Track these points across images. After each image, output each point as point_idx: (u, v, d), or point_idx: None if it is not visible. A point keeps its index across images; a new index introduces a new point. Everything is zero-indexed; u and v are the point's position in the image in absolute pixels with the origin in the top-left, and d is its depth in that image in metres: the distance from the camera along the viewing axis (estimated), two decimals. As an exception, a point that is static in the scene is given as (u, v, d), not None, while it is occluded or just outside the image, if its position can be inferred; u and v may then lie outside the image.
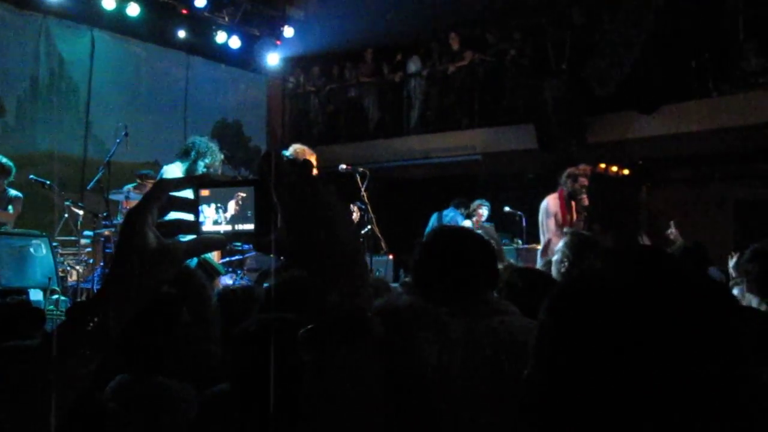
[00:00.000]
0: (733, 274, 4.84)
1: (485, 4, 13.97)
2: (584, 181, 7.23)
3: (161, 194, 1.09)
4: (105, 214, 8.70)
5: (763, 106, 10.80)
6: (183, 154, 6.60)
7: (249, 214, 1.11)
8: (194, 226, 1.13)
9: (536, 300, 0.99)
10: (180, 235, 1.12)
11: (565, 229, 6.85)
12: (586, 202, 7.19)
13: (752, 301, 3.11)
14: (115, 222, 8.46)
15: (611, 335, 0.83)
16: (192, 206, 1.14)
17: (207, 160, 6.61)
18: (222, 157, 6.94)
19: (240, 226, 1.11)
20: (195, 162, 6.55)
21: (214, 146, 6.73)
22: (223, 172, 14.08)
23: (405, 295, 3.13)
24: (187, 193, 1.15)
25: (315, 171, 1.02)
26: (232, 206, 1.12)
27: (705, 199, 14.03)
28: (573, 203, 7.25)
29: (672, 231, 6.16)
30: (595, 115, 11.72)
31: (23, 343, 2.34)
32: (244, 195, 1.11)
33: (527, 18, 13.73)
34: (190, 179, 1.13)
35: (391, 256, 10.97)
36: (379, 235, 7.56)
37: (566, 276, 0.86)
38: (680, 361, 0.81)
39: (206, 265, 6.09)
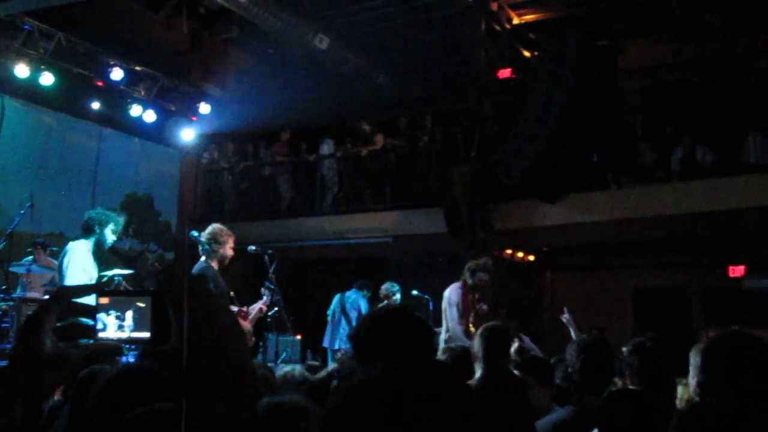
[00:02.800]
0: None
1: (400, 91, 14.41)
2: (483, 277, 7.37)
3: (61, 301, 1.13)
4: (4, 287, 8.44)
5: (658, 199, 11.37)
6: (86, 231, 6.50)
7: (146, 323, 1.16)
8: (91, 331, 1.18)
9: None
10: (78, 340, 1.16)
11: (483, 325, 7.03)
12: (484, 309, 7.34)
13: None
14: (14, 295, 8.20)
15: None
16: (91, 313, 1.19)
17: (112, 228, 6.54)
18: (122, 221, 6.87)
19: (136, 334, 1.16)
20: (102, 234, 6.47)
21: (111, 213, 6.68)
22: (131, 246, 13.87)
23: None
24: (89, 299, 1.20)
25: (207, 286, 1.10)
26: (129, 315, 1.18)
27: (606, 286, 14.52)
28: (473, 296, 7.40)
29: (566, 316, 6.35)
30: (501, 203, 12.04)
31: None
32: (143, 305, 1.17)
33: (440, 105, 14.18)
34: (90, 288, 1.19)
35: (298, 336, 10.94)
36: (285, 317, 7.56)
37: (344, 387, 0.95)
38: None
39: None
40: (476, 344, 4.44)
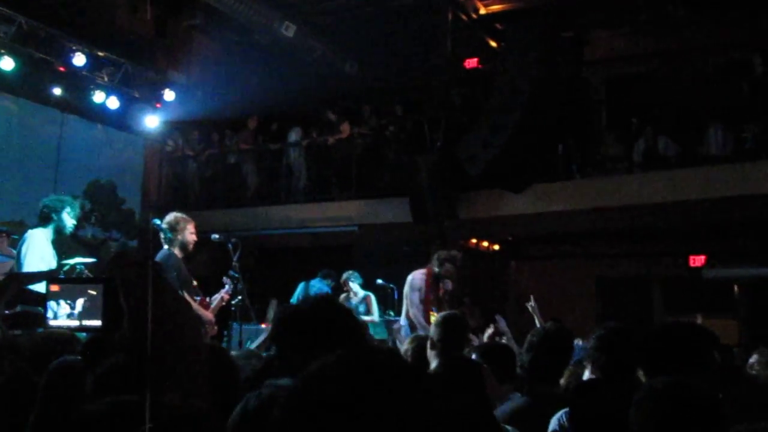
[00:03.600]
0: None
1: (367, 79, 14.39)
2: (450, 268, 7.40)
3: (11, 289, 1.12)
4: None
5: (621, 190, 11.50)
6: (43, 220, 6.40)
7: (97, 311, 1.15)
8: (41, 320, 1.16)
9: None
10: (27, 328, 1.15)
11: (433, 309, 7.07)
12: (449, 287, 7.39)
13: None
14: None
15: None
16: (41, 301, 1.17)
17: (69, 212, 6.45)
18: (78, 204, 6.78)
19: (88, 322, 1.15)
20: (60, 220, 6.37)
21: (65, 198, 6.58)
22: (93, 235, 13.71)
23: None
24: (39, 286, 1.19)
25: (159, 272, 1.08)
26: (80, 303, 1.16)
27: (569, 275, 14.66)
28: (438, 284, 7.44)
29: (531, 304, 6.41)
30: (467, 192, 12.12)
31: None
32: (94, 293, 1.16)
33: (406, 94, 14.20)
34: (42, 275, 1.17)
35: (263, 325, 10.90)
36: (249, 305, 7.54)
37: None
38: None
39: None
40: (433, 332, 4.43)
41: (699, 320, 12.81)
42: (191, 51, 15.02)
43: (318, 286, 10.99)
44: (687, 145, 11.68)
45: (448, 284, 7.37)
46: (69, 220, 6.46)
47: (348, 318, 2.58)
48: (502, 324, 5.86)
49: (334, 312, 2.55)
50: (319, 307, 2.66)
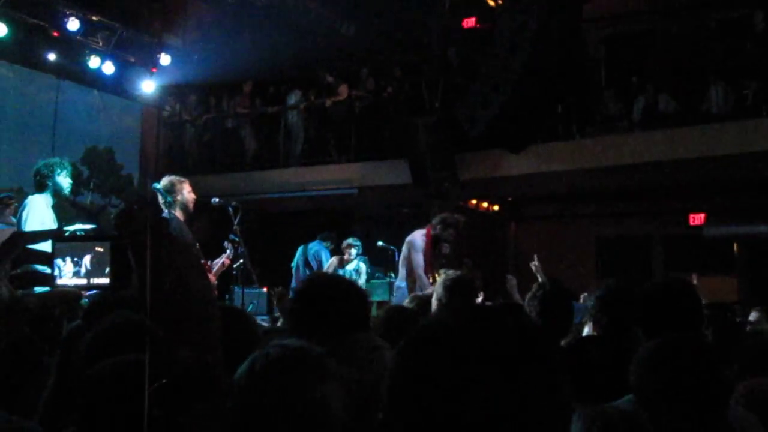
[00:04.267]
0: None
1: (364, 41, 14.24)
2: (452, 232, 7.35)
3: (16, 248, 1.10)
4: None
5: (621, 148, 11.46)
6: (39, 187, 6.37)
7: (105, 269, 1.13)
8: (49, 279, 1.14)
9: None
10: (35, 288, 1.13)
11: (441, 271, 7.03)
12: (445, 250, 7.33)
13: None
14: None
15: (451, 381, 0.92)
16: (47, 259, 1.15)
17: (60, 173, 6.41)
18: (69, 162, 6.75)
19: (96, 280, 1.13)
20: (55, 183, 6.34)
21: (53, 159, 6.54)
22: (92, 201, 13.68)
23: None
24: (44, 245, 1.16)
25: (166, 229, 1.06)
26: (87, 260, 1.14)
27: (569, 235, 14.68)
28: (436, 246, 7.39)
29: (535, 264, 6.41)
30: (466, 153, 12.07)
31: None
32: (101, 250, 1.13)
33: (403, 56, 14.07)
34: (47, 233, 1.15)
35: (264, 289, 10.92)
36: (251, 269, 7.54)
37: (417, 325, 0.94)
38: (511, 401, 0.90)
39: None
40: (441, 294, 4.37)
41: (694, 279, 12.84)
42: (186, 14, 14.86)
43: (316, 248, 10.99)
44: (687, 103, 11.61)
45: (446, 248, 7.32)
46: (65, 180, 6.42)
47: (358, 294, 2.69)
48: (513, 284, 5.84)
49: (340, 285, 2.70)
50: (326, 280, 2.77)
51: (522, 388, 0.91)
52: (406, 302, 4.79)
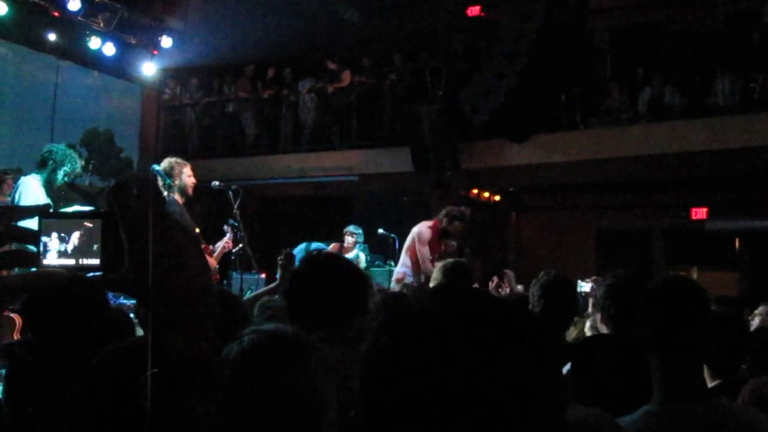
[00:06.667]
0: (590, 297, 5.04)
1: (367, 27, 14.14)
2: (458, 225, 7.32)
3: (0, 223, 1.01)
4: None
5: (624, 140, 11.38)
6: (40, 165, 6.28)
7: (95, 248, 1.04)
8: (35, 259, 1.06)
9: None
10: (19, 268, 1.05)
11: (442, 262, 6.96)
12: (453, 247, 7.30)
13: (604, 330, 3.27)
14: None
15: (426, 372, 0.85)
16: (33, 237, 1.06)
17: (66, 169, 6.32)
18: (82, 163, 6.67)
19: (84, 260, 1.05)
20: (54, 171, 6.24)
21: (73, 153, 6.43)
22: (91, 183, 13.60)
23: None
24: (31, 223, 1.07)
25: (163, 206, 0.98)
26: (76, 237, 1.05)
27: (570, 227, 14.63)
28: (442, 239, 7.36)
29: (507, 272, 6.36)
30: (469, 142, 12.00)
31: None
32: (90, 225, 1.05)
33: (407, 43, 13.98)
34: (33, 209, 1.06)
35: (263, 275, 10.86)
36: (251, 254, 7.48)
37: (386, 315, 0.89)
38: (492, 390, 0.83)
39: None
40: (435, 278, 4.42)
41: (695, 274, 12.83)
42: (188, -4, 14.73)
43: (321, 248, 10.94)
44: (693, 95, 11.51)
45: (453, 245, 7.30)
46: (62, 176, 6.32)
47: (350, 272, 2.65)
48: (511, 276, 5.81)
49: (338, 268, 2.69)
50: (323, 262, 2.73)
51: (498, 374, 0.84)
52: (395, 288, 4.80)
